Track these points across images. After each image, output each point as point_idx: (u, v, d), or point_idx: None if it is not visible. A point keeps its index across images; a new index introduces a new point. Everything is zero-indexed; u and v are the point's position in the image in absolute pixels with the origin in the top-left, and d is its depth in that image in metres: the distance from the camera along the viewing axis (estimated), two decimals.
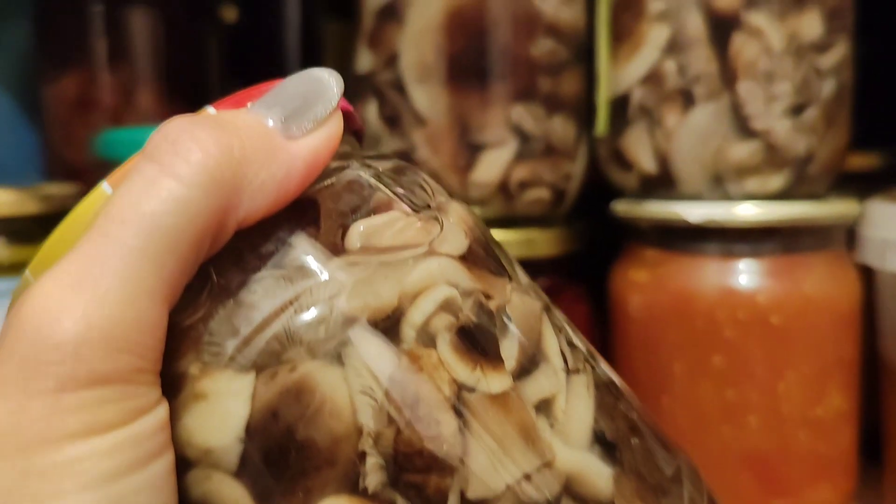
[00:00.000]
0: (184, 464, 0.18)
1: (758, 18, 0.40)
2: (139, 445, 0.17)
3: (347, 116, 0.22)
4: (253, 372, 0.18)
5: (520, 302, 0.20)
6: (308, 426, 0.18)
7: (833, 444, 0.42)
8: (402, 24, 0.43)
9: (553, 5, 0.44)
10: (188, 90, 0.59)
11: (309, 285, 0.18)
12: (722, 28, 0.40)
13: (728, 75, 0.40)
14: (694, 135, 0.41)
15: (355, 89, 0.47)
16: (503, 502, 0.18)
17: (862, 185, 0.48)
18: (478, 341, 0.19)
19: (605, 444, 0.20)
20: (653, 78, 0.42)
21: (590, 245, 0.50)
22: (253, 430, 0.18)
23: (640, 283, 0.44)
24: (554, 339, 0.21)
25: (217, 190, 0.18)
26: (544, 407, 0.19)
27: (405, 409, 0.18)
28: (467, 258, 0.20)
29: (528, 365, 0.19)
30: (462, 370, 0.18)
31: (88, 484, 0.16)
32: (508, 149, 0.44)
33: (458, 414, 0.18)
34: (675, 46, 0.41)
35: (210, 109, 0.20)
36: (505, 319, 0.20)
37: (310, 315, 0.18)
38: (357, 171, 0.21)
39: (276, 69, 0.63)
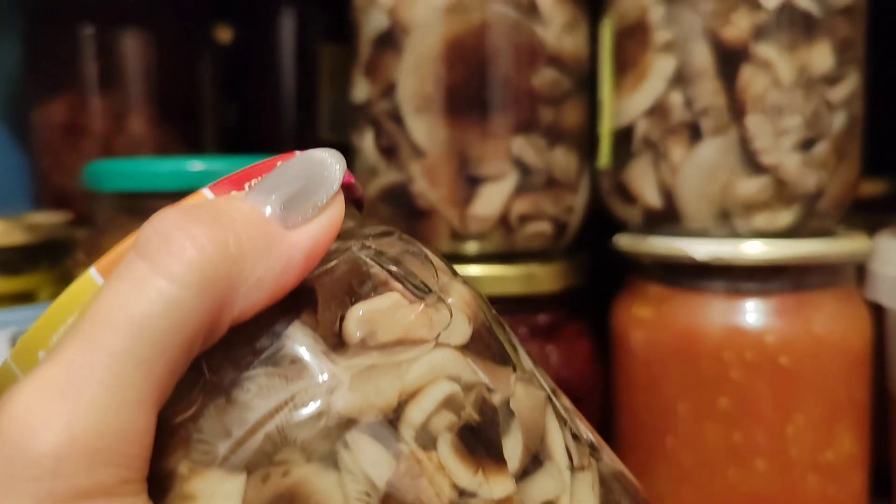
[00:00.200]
0: None
1: (767, 50, 0.39)
2: None
3: (347, 187, 0.21)
4: (244, 473, 0.17)
5: (524, 394, 0.19)
6: None
7: (843, 488, 0.41)
8: (399, 53, 0.42)
9: (555, 34, 0.42)
10: (181, 114, 0.58)
11: (304, 385, 0.17)
12: (730, 60, 0.39)
13: (736, 108, 0.39)
14: (701, 169, 0.40)
15: (352, 118, 0.46)
16: None
17: (869, 212, 0.47)
18: (480, 441, 0.18)
19: None
20: (658, 110, 0.41)
21: (592, 277, 0.48)
22: None
23: (644, 319, 0.43)
24: (559, 433, 0.19)
25: (211, 289, 0.17)
26: None
27: None
28: (470, 347, 0.19)
29: (532, 465, 0.18)
30: (463, 474, 0.17)
31: None
32: (509, 182, 0.43)
33: None
34: (681, 78, 0.40)
35: (206, 192, 0.19)
36: (508, 415, 0.18)
37: (305, 415, 0.17)
38: (357, 253, 0.20)
39: (271, 91, 0.62)
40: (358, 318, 0.18)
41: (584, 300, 0.47)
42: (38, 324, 0.18)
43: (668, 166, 0.41)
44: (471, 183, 0.42)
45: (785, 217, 0.40)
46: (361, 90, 0.45)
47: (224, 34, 0.67)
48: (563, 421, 0.20)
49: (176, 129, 0.57)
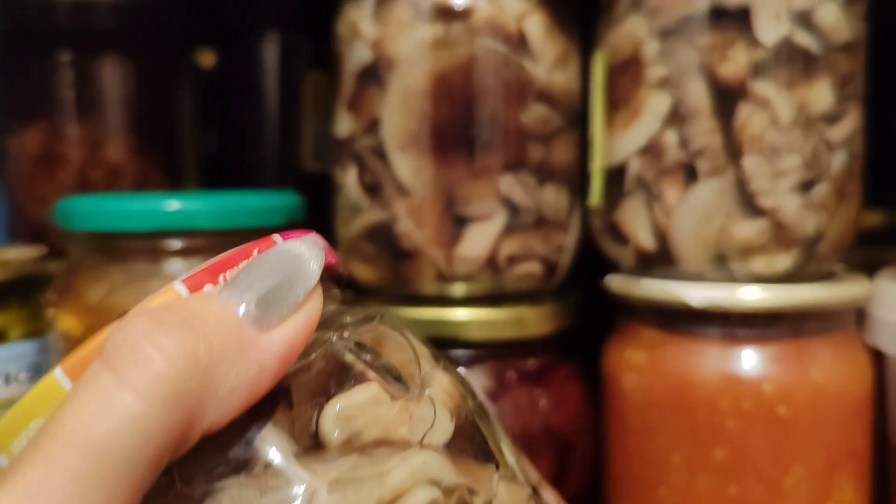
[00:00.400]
0: None
1: (765, 88, 0.37)
2: None
3: (326, 253, 0.20)
4: None
5: (506, 494, 0.18)
6: None
7: None
8: (384, 89, 0.41)
9: (546, 69, 0.41)
10: (160, 143, 0.56)
11: (279, 497, 0.16)
12: (727, 98, 0.37)
13: (733, 148, 0.38)
14: (696, 211, 0.38)
15: (335, 153, 0.45)
16: None
17: (866, 245, 0.46)
18: None
19: None
20: (652, 149, 0.39)
21: (584, 316, 0.47)
22: None
23: (636, 364, 0.41)
24: None
25: (180, 404, 0.16)
26: None
27: None
28: (452, 446, 0.18)
29: None
30: None
31: None
32: (497, 221, 0.41)
33: None
34: (676, 116, 0.38)
35: (179, 286, 0.18)
36: None
37: None
38: (335, 346, 0.19)
39: (253, 118, 0.60)
40: (335, 414, 0.18)
41: (575, 341, 0.46)
42: (0, 425, 0.18)
43: (662, 207, 0.39)
44: (457, 223, 0.41)
45: (783, 261, 0.39)
46: (344, 125, 0.43)
47: (207, 59, 0.65)
48: None
49: (155, 159, 0.56)
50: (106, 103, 0.54)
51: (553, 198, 0.42)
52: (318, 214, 0.46)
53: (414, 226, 0.41)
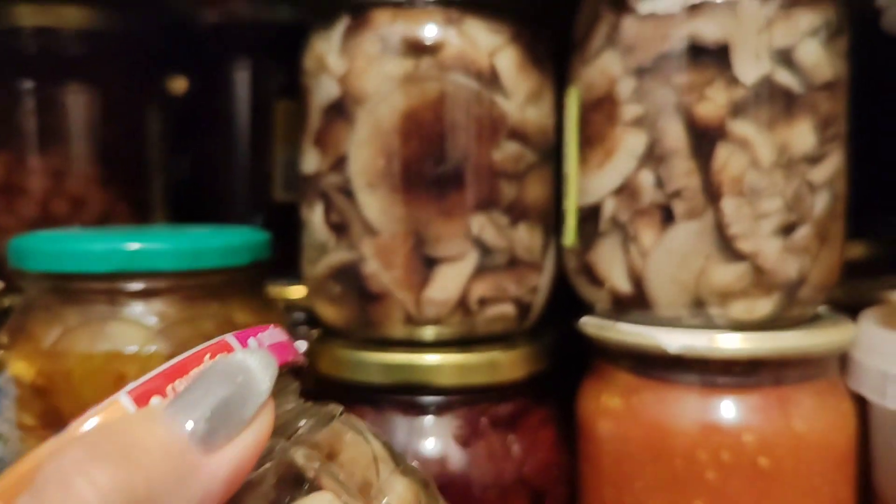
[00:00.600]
0: None
1: (745, 128, 0.36)
2: None
3: (285, 351, 0.19)
4: None
5: None
6: None
7: None
8: (351, 124, 0.39)
9: (518, 105, 0.40)
10: (127, 173, 0.55)
11: None
12: (705, 138, 0.36)
13: (712, 190, 0.36)
14: (673, 255, 0.37)
15: (301, 189, 0.43)
16: None
17: (849, 276, 0.44)
18: None
19: None
20: (627, 189, 0.38)
21: (559, 356, 0.45)
22: None
23: (612, 410, 0.40)
24: None
25: None
26: None
27: None
28: None
29: None
30: None
31: None
32: (468, 262, 0.40)
33: None
34: (652, 156, 0.37)
35: (124, 399, 0.17)
36: None
37: None
38: (288, 454, 0.18)
39: (224, 146, 0.59)
40: None
41: (550, 383, 0.44)
42: None
43: (638, 249, 0.38)
44: (427, 264, 0.39)
45: (764, 306, 0.37)
46: (311, 161, 0.41)
47: (178, 85, 0.64)
48: None
49: (121, 190, 0.54)
50: (70, 132, 0.52)
51: (526, 237, 0.41)
52: (288, 245, 0.44)
53: (382, 267, 0.39)
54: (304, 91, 0.42)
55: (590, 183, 0.39)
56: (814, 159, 0.37)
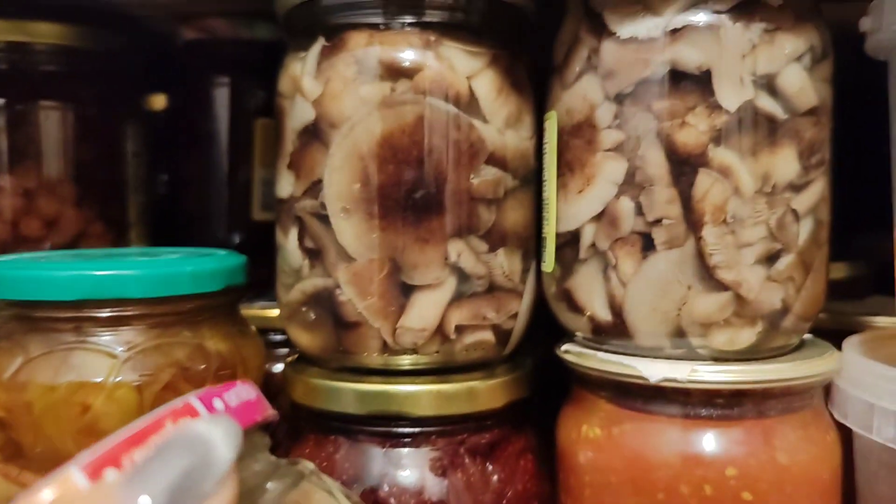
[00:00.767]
0: None
1: (727, 156, 0.35)
2: None
3: (254, 410, 0.18)
4: None
5: None
6: None
7: None
8: (326, 148, 0.38)
9: (497, 129, 0.39)
10: (102, 191, 0.54)
11: None
12: (686, 166, 0.35)
13: (693, 219, 0.35)
14: (653, 284, 0.36)
15: (276, 213, 0.42)
16: None
17: (831, 297, 0.44)
18: None
19: None
20: (607, 217, 0.37)
21: (539, 382, 0.44)
22: None
23: (593, 440, 0.39)
24: None
25: None
26: None
27: None
28: None
29: None
30: None
31: None
32: (445, 289, 0.39)
33: None
34: (632, 183, 0.36)
35: (76, 474, 0.16)
36: None
37: None
38: None
39: (203, 163, 0.58)
40: None
41: (530, 409, 0.43)
42: None
43: (618, 278, 0.37)
44: (403, 291, 0.38)
45: (747, 337, 0.37)
46: (285, 184, 0.41)
47: (158, 102, 0.63)
48: None
49: (95, 208, 0.53)
50: (42, 150, 0.52)
51: (505, 263, 0.40)
52: (268, 265, 0.43)
53: (357, 294, 0.38)
54: (278, 113, 0.41)
55: (569, 209, 0.38)
56: (798, 187, 0.36)
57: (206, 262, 0.41)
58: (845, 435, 0.39)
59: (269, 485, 0.19)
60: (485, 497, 0.39)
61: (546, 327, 0.43)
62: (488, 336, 0.40)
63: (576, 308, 0.39)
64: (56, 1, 0.50)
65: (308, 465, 0.20)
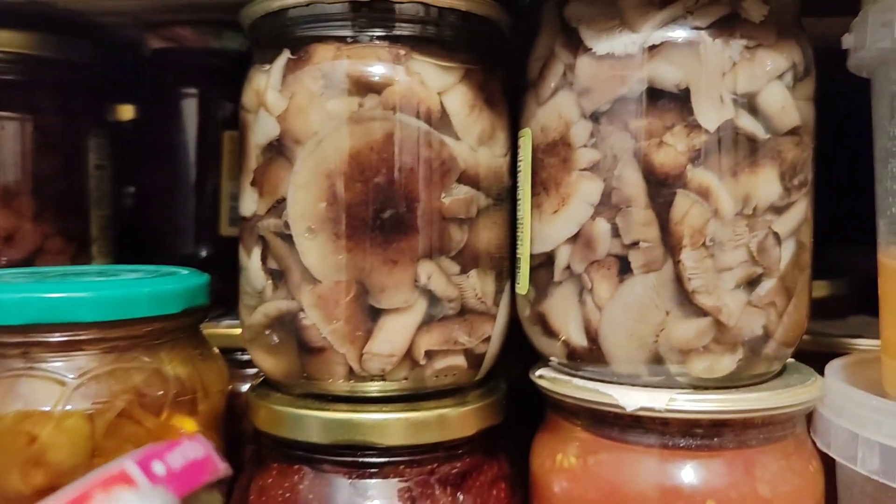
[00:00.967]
0: None
1: (706, 176, 0.34)
2: None
3: (202, 469, 0.18)
4: None
5: None
6: None
7: None
8: (290, 165, 0.37)
9: (470, 146, 0.37)
10: (61, 205, 0.52)
11: None
12: (664, 187, 0.34)
13: (671, 242, 0.34)
14: (630, 308, 0.35)
15: (239, 232, 0.40)
16: None
17: (811, 316, 0.43)
18: None
19: None
20: (582, 239, 0.36)
21: (512, 407, 0.43)
22: None
23: (567, 469, 0.37)
24: None
25: None
26: None
27: None
28: None
29: None
30: None
31: None
32: (415, 313, 0.37)
33: None
34: (608, 204, 0.35)
35: None
36: None
37: None
38: None
39: (170, 176, 0.56)
40: None
41: (503, 434, 0.42)
42: None
43: (594, 301, 0.36)
44: (370, 315, 0.37)
45: (727, 364, 0.35)
46: (248, 202, 0.39)
47: (124, 112, 0.61)
48: None
49: (55, 222, 0.51)
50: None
51: (478, 285, 0.38)
52: (235, 281, 0.41)
53: (322, 317, 0.37)
54: (242, 127, 0.40)
55: (544, 229, 0.37)
56: (779, 209, 0.35)
57: (166, 282, 0.39)
58: (827, 462, 0.38)
59: None
60: None
61: (519, 350, 0.42)
62: (460, 361, 0.39)
63: (550, 332, 0.38)
64: (15, 8, 0.48)
65: None
